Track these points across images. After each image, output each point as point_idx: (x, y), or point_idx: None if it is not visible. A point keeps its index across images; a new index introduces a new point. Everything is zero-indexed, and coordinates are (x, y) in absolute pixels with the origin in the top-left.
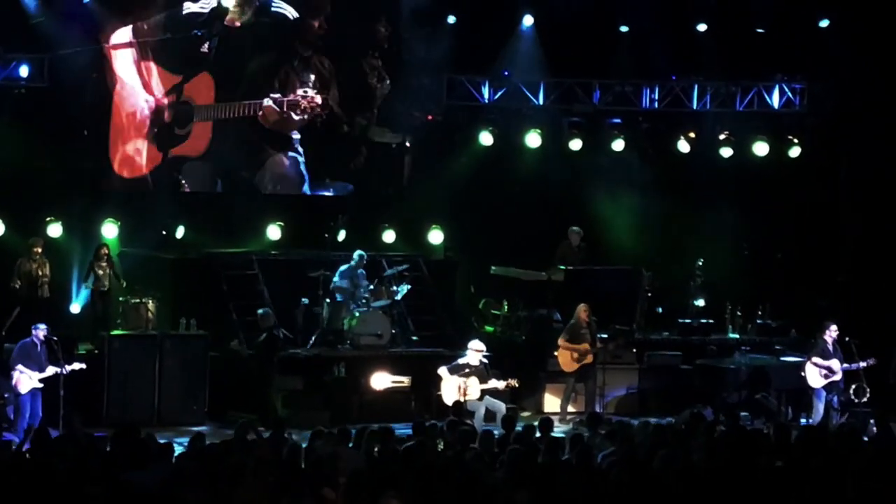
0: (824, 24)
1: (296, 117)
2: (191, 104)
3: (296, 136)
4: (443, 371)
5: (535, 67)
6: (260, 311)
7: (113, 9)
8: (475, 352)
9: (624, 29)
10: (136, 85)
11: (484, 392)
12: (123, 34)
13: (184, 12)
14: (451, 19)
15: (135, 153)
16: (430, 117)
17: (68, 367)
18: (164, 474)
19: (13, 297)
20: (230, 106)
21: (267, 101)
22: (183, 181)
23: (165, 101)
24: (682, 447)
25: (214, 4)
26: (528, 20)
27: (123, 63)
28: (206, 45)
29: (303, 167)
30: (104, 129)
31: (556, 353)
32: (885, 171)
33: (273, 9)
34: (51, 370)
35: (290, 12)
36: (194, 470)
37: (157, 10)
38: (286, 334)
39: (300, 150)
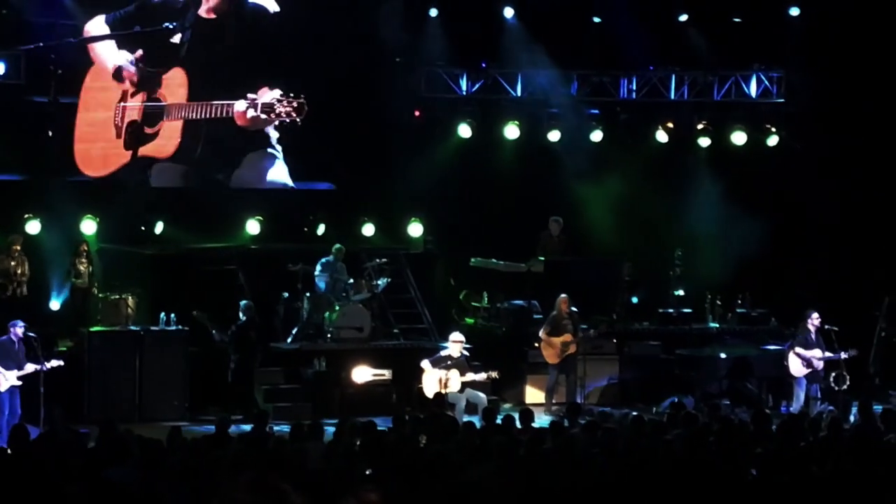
0: (794, 12)
1: (266, 117)
2: (161, 102)
3: (273, 134)
4: (425, 364)
5: (518, 58)
6: (242, 303)
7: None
8: (455, 343)
9: (597, 20)
10: (106, 80)
11: (465, 384)
12: (98, 25)
13: (156, 0)
14: (434, 12)
15: (100, 150)
16: (417, 113)
17: (48, 365)
18: (145, 470)
19: None
20: (201, 106)
21: (239, 106)
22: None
23: (136, 97)
24: (663, 437)
25: None
26: (508, 12)
27: (96, 56)
28: (179, 38)
29: (282, 164)
30: (69, 128)
31: (536, 346)
32: (861, 159)
33: (251, 1)
34: (30, 367)
35: (272, 6)
36: (175, 465)
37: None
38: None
39: (278, 147)
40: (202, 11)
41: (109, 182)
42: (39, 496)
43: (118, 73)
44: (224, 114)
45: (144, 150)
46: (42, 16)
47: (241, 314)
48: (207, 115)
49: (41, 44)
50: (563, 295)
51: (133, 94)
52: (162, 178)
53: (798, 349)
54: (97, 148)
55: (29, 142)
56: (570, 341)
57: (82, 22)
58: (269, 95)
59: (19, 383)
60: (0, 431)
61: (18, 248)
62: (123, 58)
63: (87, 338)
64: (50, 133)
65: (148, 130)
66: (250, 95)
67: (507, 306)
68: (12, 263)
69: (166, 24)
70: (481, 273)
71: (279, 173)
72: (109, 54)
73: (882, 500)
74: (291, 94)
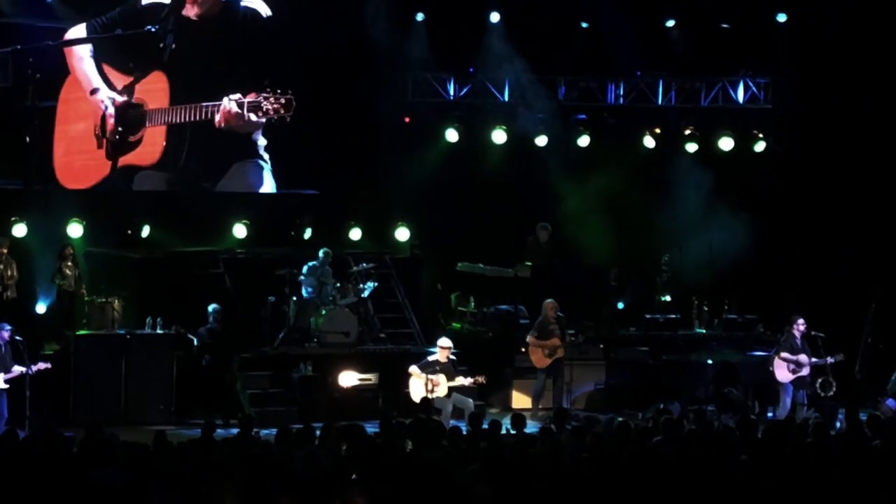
0: (782, 18)
1: (255, 118)
2: (143, 107)
3: (261, 141)
4: (413, 369)
5: (502, 64)
6: (210, 307)
7: (74, 5)
8: (443, 349)
9: (585, 25)
10: (85, 87)
11: (451, 389)
12: (78, 31)
13: (142, 3)
14: (420, 16)
15: (81, 163)
16: (407, 119)
17: (34, 367)
18: (131, 473)
19: None
20: (185, 108)
21: (226, 103)
22: None
23: (116, 104)
24: (649, 442)
25: None
26: (494, 17)
27: (75, 63)
28: (162, 43)
29: (269, 175)
30: (48, 136)
31: (523, 350)
32: (848, 165)
33: (243, 4)
34: (16, 370)
35: (264, 9)
36: (161, 469)
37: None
38: (242, 331)
39: (265, 156)
40: (189, 13)
41: (94, 190)
42: (27, 498)
43: (94, 94)
44: (209, 115)
45: (127, 159)
46: (29, 18)
47: (209, 317)
48: (192, 118)
49: (18, 46)
50: (549, 300)
51: (115, 104)
52: (145, 186)
53: (783, 354)
54: (78, 161)
55: (16, 145)
56: (558, 346)
57: (70, 26)
58: (257, 95)
59: (6, 386)
60: None
61: (6, 251)
62: (106, 94)
63: (73, 341)
64: (28, 139)
65: (130, 138)
66: (234, 95)
67: (493, 311)
68: (0, 266)
69: (148, 27)
70: (468, 278)
71: (265, 186)
72: (93, 75)
73: None
74: (279, 91)
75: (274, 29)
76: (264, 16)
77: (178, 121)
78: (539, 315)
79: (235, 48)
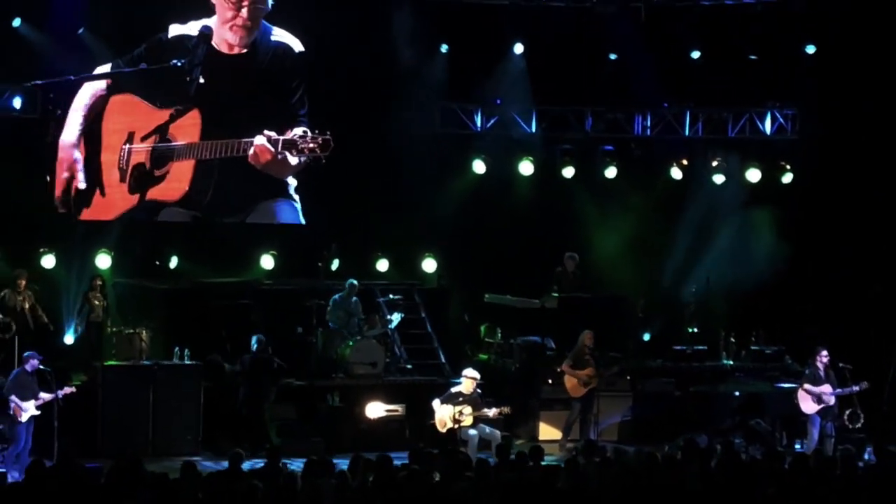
0: (810, 50)
1: (292, 160)
2: (171, 142)
3: (291, 181)
4: (436, 403)
5: (526, 95)
6: (254, 336)
7: (106, 41)
8: (470, 379)
9: (613, 56)
10: (109, 121)
11: (477, 419)
12: (103, 66)
13: (167, 36)
14: (444, 48)
15: (102, 196)
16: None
17: (61, 393)
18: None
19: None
20: (215, 144)
21: (259, 140)
22: None
23: (145, 139)
24: (676, 474)
25: (201, 27)
26: (518, 48)
27: (98, 97)
28: (189, 77)
29: (299, 216)
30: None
31: (550, 382)
32: (875, 197)
33: (273, 38)
34: (45, 397)
35: (296, 45)
36: (189, 499)
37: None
38: (279, 363)
39: (296, 196)
40: (222, 48)
41: (122, 218)
42: None
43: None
44: (241, 151)
45: (151, 194)
46: (59, 52)
47: (252, 346)
48: (223, 154)
49: (38, 81)
50: (587, 330)
51: (143, 137)
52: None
53: (806, 386)
54: (99, 194)
55: (44, 176)
56: (592, 375)
57: (100, 59)
58: (291, 133)
59: (38, 413)
60: (20, 462)
61: (24, 283)
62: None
63: (100, 372)
64: (48, 178)
65: (155, 173)
66: (269, 132)
67: (520, 342)
68: (19, 299)
69: (174, 61)
70: (495, 309)
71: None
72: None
73: None
74: (316, 130)
75: (305, 63)
76: (296, 51)
77: (208, 156)
78: (568, 346)
79: (266, 83)
